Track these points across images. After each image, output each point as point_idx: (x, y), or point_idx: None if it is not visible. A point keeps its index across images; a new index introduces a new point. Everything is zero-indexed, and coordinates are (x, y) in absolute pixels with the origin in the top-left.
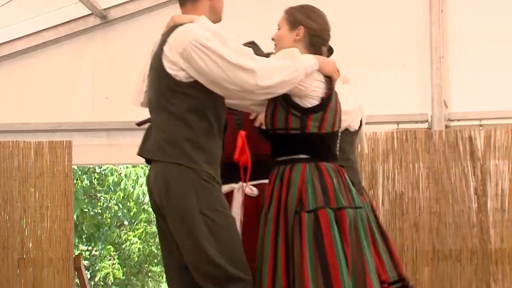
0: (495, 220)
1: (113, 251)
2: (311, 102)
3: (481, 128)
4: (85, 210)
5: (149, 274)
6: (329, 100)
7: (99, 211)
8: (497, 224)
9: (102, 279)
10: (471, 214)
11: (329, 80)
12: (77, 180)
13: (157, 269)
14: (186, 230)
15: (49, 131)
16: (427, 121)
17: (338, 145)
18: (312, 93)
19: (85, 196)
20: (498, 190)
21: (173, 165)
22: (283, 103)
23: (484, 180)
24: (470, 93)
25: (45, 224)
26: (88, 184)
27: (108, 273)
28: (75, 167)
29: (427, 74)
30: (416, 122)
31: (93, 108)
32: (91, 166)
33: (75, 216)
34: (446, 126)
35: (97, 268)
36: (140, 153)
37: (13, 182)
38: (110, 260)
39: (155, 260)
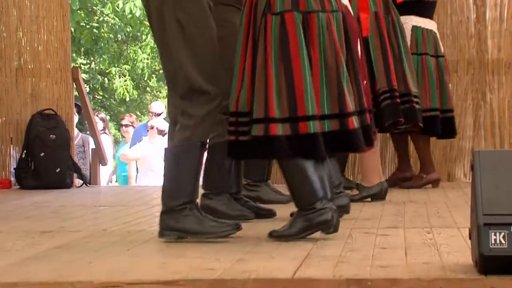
0: (493, 30)
1: (123, 68)
2: None
3: None
4: (82, 24)
5: (147, 88)
6: None
7: (96, 24)
8: (495, 34)
9: (118, 97)
10: (469, 25)
11: None
12: None
13: (156, 84)
14: (160, 37)
15: None
16: None
17: None
18: None
19: (81, 10)
20: (497, 0)
21: None
22: None
23: None
24: None
25: (41, 35)
26: None
27: (124, 93)
28: None
29: None
30: None
31: None
32: None
33: (72, 30)
34: None
35: (96, 80)
36: None
37: None
38: (122, 77)
39: (157, 75)
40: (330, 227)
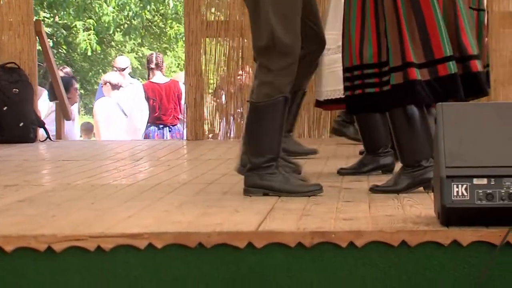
0: None
1: (88, 22)
2: None
3: None
4: None
5: (112, 43)
6: None
7: None
8: None
9: (81, 51)
10: None
11: None
12: None
13: (121, 38)
14: None
15: None
16: None
17: None
18: None
19: None
20: None
21: None
22: None
23: None
24: None
25: None
26: None
27: (86, 47)
28: None
29: None
30: None
31: None
32: None
33: None
34: None
35: (60, 34)
36: None
37: None
38: (87, 32)
39: (122, 30)
40: (431, 186)
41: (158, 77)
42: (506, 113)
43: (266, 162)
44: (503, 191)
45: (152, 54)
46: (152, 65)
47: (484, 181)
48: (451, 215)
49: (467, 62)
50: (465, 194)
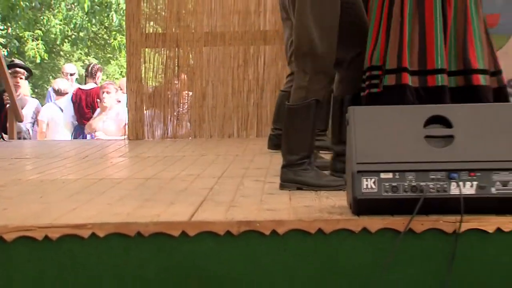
0: None
1: (36, 33)
2: None
3: None
4: None
5: (60, 53)
6: None
7: None
8: None
9: (29, 59)
10: None
11: None
12: None
13: (69, 49)
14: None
15: None
16: None
17: None
18: None
19: None
20: None
21: None
22: None
23: None
24: None
25: None
26: None
27: (35, 55)
28: None
29: None
30: None
31: None
32: None
33: None
34: None
35: (13, 44)
36: None
37: None
38: (35, 41)
39: (70, 40)
40: None
41: (89, 85)
42: (411, 115)
43: (299, 160)
44: (406, 184)
45: (90, 64)
46: (87, 74)
47: (390, 175)
48: (361, 206)
49: (470, 75)
50: (374, 187)
